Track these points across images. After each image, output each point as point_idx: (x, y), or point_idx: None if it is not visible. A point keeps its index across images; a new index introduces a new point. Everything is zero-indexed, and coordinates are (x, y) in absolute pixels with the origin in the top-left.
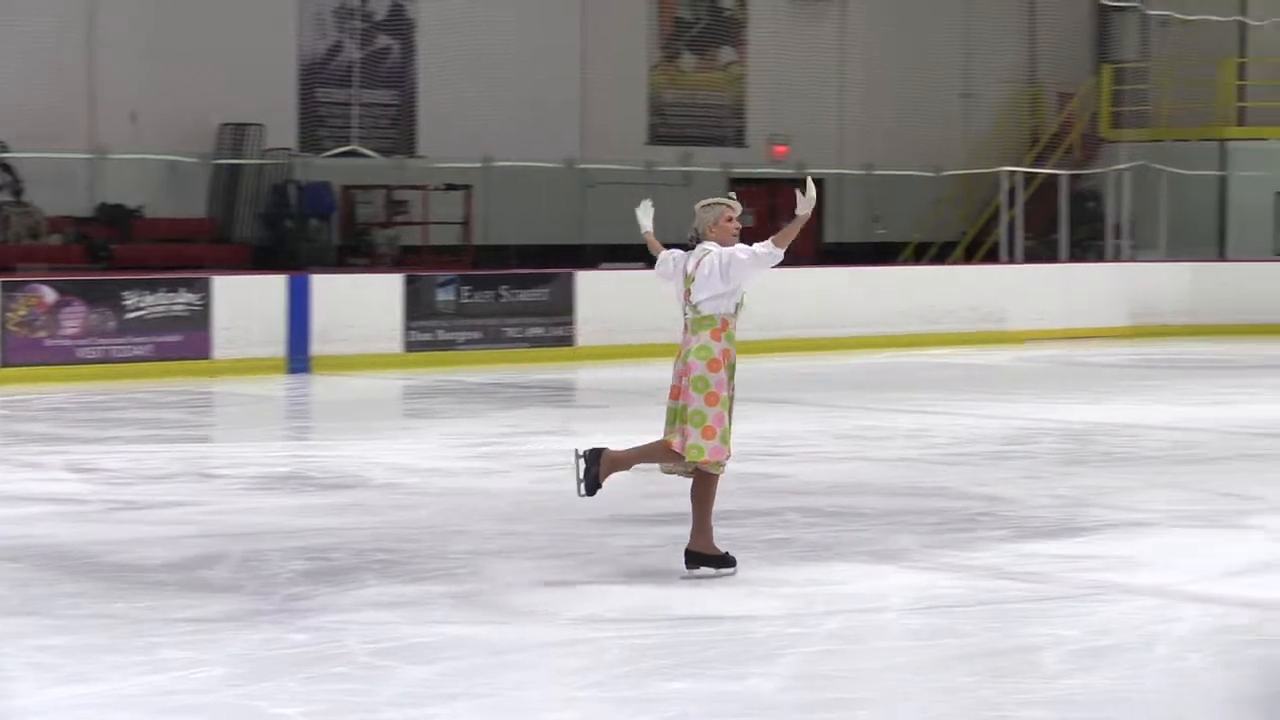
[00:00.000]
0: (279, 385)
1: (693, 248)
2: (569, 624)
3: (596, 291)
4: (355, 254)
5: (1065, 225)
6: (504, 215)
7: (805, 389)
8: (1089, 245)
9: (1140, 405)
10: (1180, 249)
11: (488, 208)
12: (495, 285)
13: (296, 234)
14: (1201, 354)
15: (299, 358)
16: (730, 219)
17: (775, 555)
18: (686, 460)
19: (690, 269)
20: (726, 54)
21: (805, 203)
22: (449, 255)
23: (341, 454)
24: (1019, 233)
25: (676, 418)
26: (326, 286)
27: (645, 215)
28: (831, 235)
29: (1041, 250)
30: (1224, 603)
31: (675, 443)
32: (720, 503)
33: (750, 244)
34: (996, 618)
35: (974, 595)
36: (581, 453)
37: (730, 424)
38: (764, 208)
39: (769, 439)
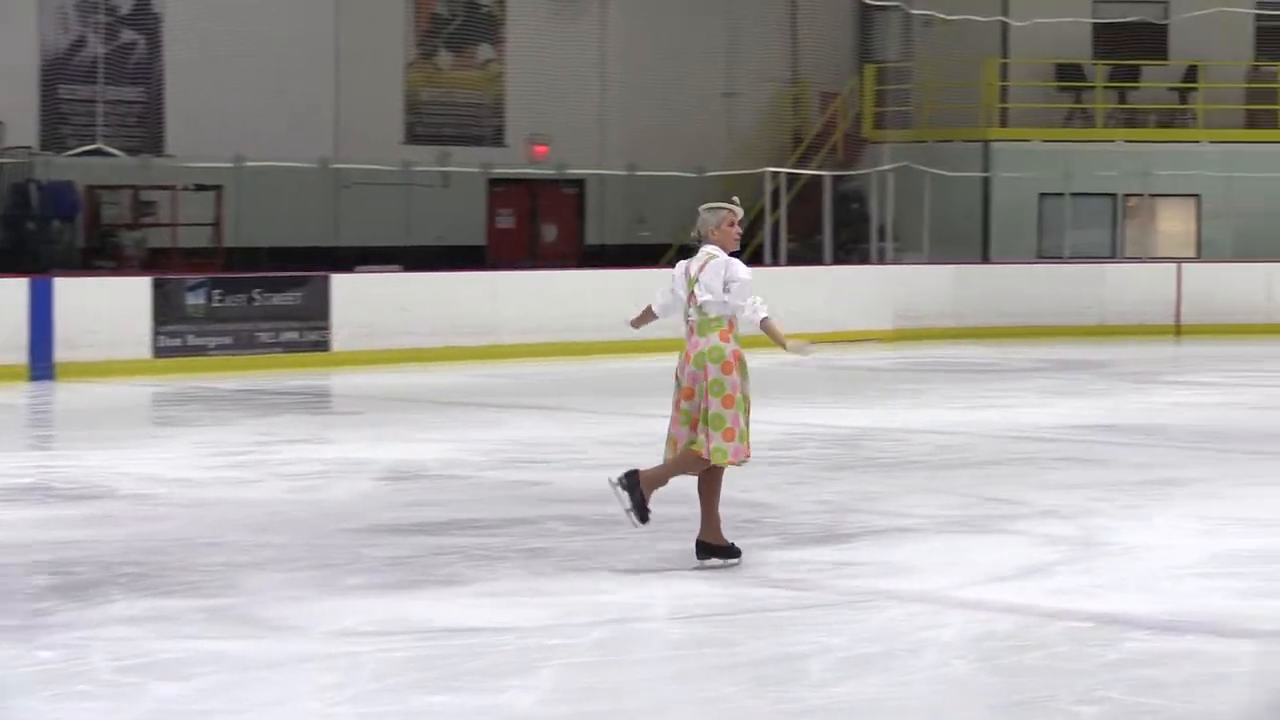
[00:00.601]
0: (21, 393)
1: (695, 250)
2: (325, 637)
3: (352, 295)
4: (101, 256)
5: (829, 227)
6: (256, 216)
7: (567, 394)
8: (853, 248)
9: (906, 409)
10: (944, 251)
11: (239, 209)
12: (247, 289)
13: (38, 236)
14: (966, 357)
15: (42, 364)
16: (733, 223)
17: (537, 565)
18: (712, 463)
19: (694, 272)
20: (485, 52)
21: (798, 348)
22: (199, 258)
23: (87, 464)
24: (783, 235)
25: (698, 420)
26: (70, 290)
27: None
28: (594, 237)
29: (805, 253)
30: (989, 608)
31: (700, 450)
32: (480, 511)
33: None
34: (762, 626)
35: (739, 604)
36: (616, 480)
37: (748, 424)
38: (524, 208)
39: (531, 445)
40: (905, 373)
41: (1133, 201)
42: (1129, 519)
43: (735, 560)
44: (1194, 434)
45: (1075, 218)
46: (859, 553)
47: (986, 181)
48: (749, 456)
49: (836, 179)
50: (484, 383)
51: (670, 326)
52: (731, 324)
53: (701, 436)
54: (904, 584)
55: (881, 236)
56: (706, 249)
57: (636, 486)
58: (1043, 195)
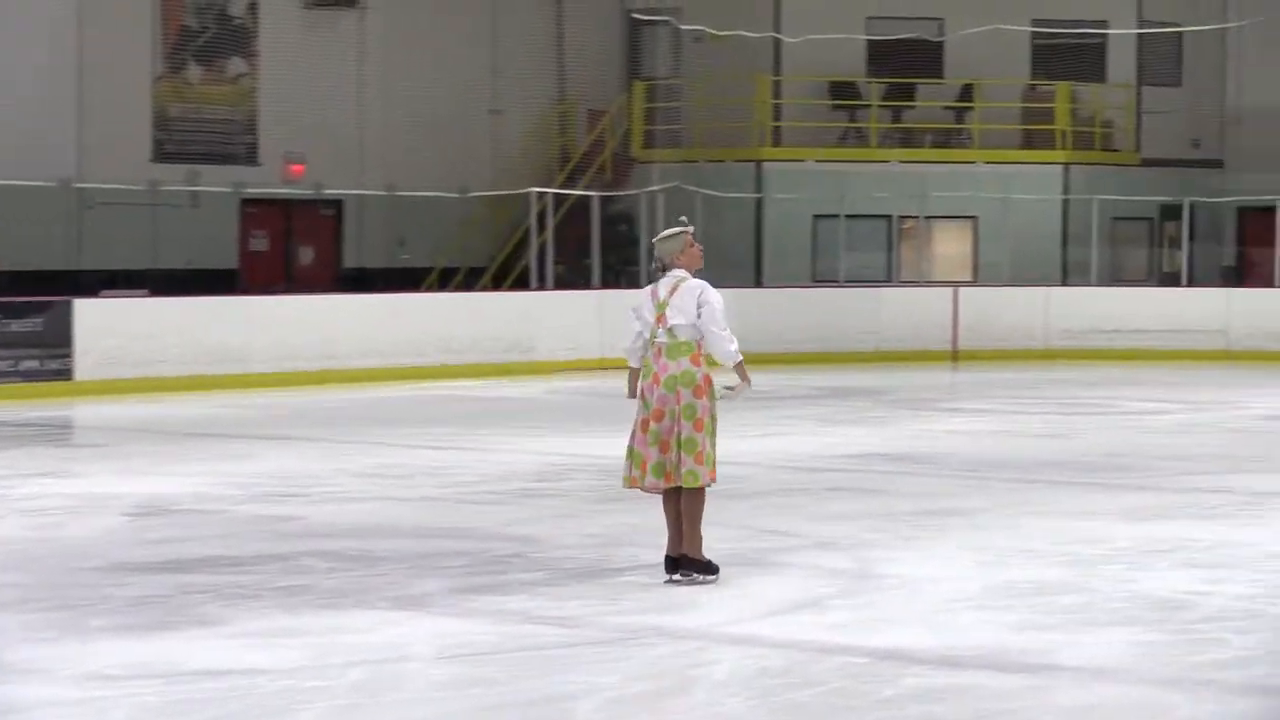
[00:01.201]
0: None
1: (658, 277)
2: (72, 681)
3: (97, 321)
4: None
5: (598, 250)
6: None
7: (320, 425)
8: (622, 270)
9: None
10: (716, 275)
11: None
12: None
13: None
14: None
15: None
16: (692, 243)
17: (293, 603)
18: (685, 486)
19: (665, 295)
20: (237, 65)
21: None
22: None
23: None
24: (549, 257)
25: (669, 443)
26: None
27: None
28: (351, 260)
29: (573, 277)
30: (763, 644)
31: (692, 478)
32: (232, 547)
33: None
34: (529, 665)
35: (505, 642)
36: (674, 578)
37: (714, 445)
38: (279, 230)
39: (285, 478)
40: None
41: (908, 224)
42: (906, 550)
43: (713, 578)
44: (971, 463)
45: (850, 240)
46: (629, 588)
47: (759, 203)
48: (714, 480)
49: (605, 199)
50: (236, 413)
51: (426, 353)
52: (700, 346)
53: (674, 459)
54: (675, 620)
55: (652, 259)
56: (675, 273)
57: (680, 565)
58: (817, 217)
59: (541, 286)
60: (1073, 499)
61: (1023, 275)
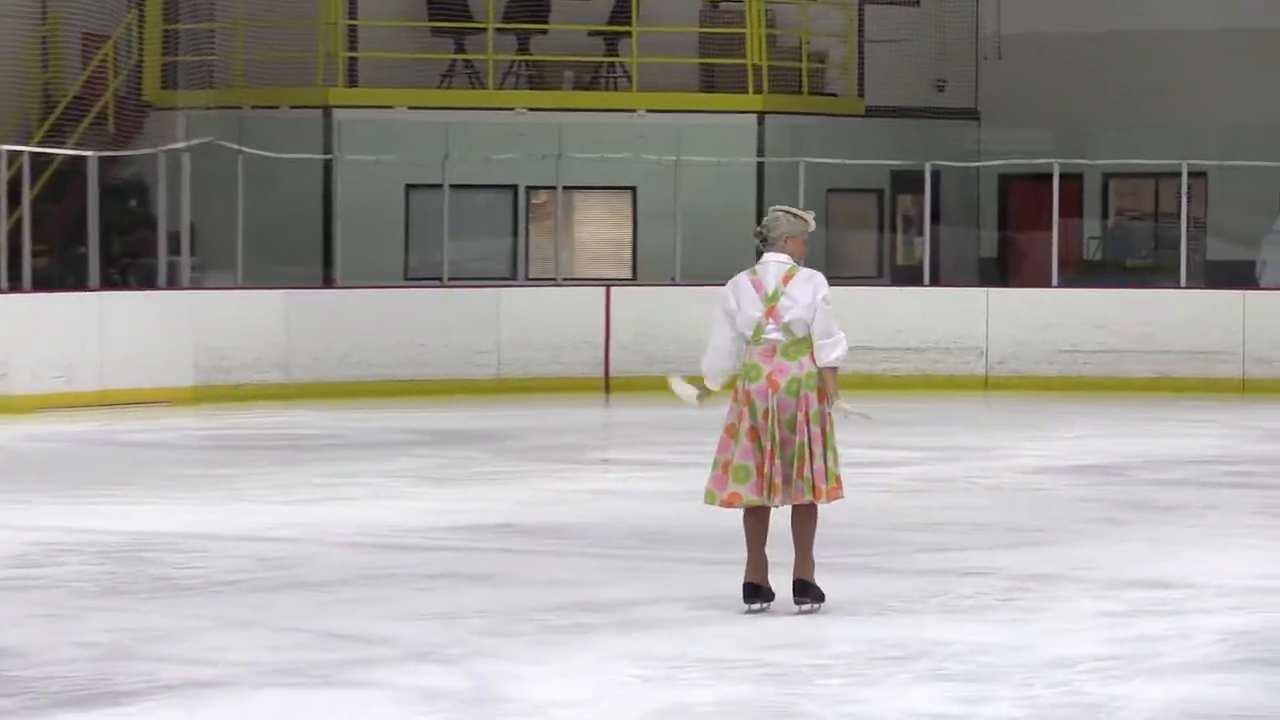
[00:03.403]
0: None
1: (761, 251)
2: None
3: None
4: None
5: (95, 234)
6: None
7: None
8: (131, 265)
9: (210, 505)
10: (268, 272)
11: None
12: None
13: None
14: (300, 427)
15: None
16: (806, 239)
17: None
18: (804, 503)
19: (775, 284)
20: None
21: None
22: None
23: None
24: (26, 245)
25: (793, 456)
26: None
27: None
28: None
29: (61, 272)
30: None
31: (819, 493)
32: None
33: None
34: None
35: None
36: (754, 608)
37: (838, 456)
38: None
39: None
40: (209, 451)
41: (541, 197)
42: (537, 662)
43: (821, 605)
44: (625, 536)
45: (459, 221)
46: (140, 716)
47: (328, 167)
48: (843, 495)
49: (107, 161)
50: None
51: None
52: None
53: (809, 476)
54: None
55: (174, 249)
56: (779, 258)
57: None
58: (412, 188)
59: (15, 287)
60: (774, 585)
61: (701, 270)
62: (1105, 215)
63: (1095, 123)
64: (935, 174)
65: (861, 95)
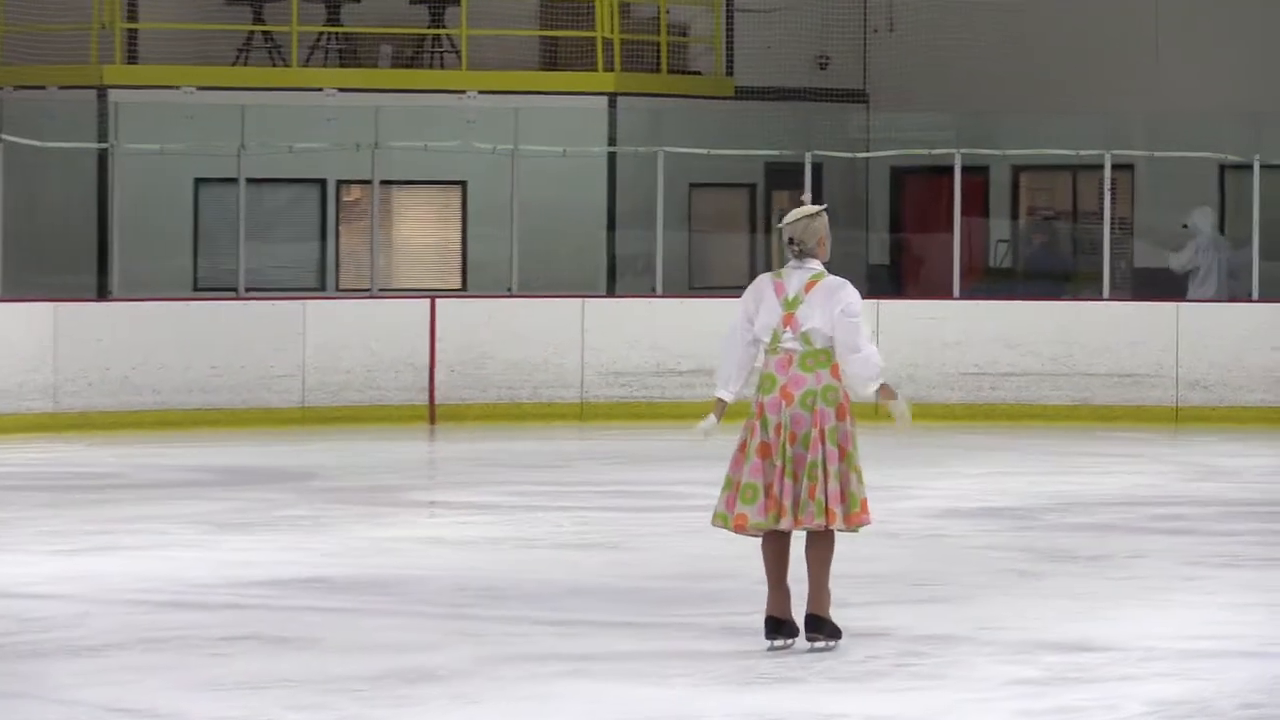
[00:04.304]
0: None
1: (788, 259)
2: None
3: None
4: None
5: None
6: None
7: None
8: None
9: None
10: (37, 280)
11: None
12: None
13: None
14: (69, 465)
15: None
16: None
17: None
18: (830, 526)
19: (795, 291)
20: None
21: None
22: None
23: None
24: None
25: (801, 474)
26: None
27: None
28: None
29: None
30: None
31: (832, 517)
32: None
33: None
34: None
35: None
36: (776, 644)
37: (861, 479)
38: None
39: None
40: None
41: (354, 192)
42: None
43: (837, 643)
44: (454, 592)
45: (257, 221)
46: None
47: (104, 157)
48: (869, 520)
49: None
50: None
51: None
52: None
53: (821, 498)
54: None
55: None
56: (810, 264)
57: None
58: (201, 182)
59: None
60: (619, 648)
61: (541, 279)
62: (1015, 215)
63: (1004, 107)
64: (816, 166)
65: (730, 74)
